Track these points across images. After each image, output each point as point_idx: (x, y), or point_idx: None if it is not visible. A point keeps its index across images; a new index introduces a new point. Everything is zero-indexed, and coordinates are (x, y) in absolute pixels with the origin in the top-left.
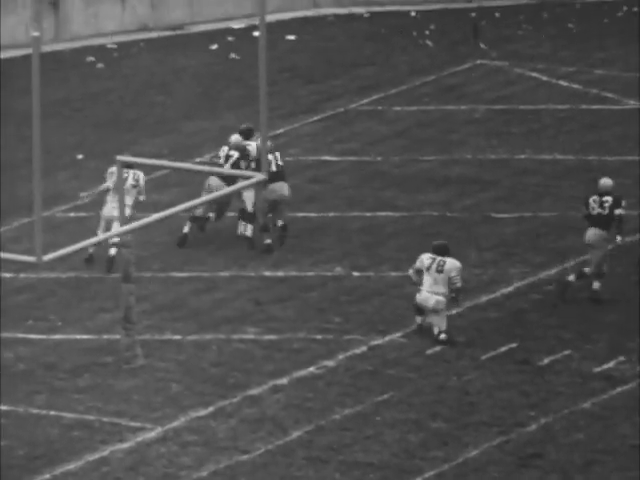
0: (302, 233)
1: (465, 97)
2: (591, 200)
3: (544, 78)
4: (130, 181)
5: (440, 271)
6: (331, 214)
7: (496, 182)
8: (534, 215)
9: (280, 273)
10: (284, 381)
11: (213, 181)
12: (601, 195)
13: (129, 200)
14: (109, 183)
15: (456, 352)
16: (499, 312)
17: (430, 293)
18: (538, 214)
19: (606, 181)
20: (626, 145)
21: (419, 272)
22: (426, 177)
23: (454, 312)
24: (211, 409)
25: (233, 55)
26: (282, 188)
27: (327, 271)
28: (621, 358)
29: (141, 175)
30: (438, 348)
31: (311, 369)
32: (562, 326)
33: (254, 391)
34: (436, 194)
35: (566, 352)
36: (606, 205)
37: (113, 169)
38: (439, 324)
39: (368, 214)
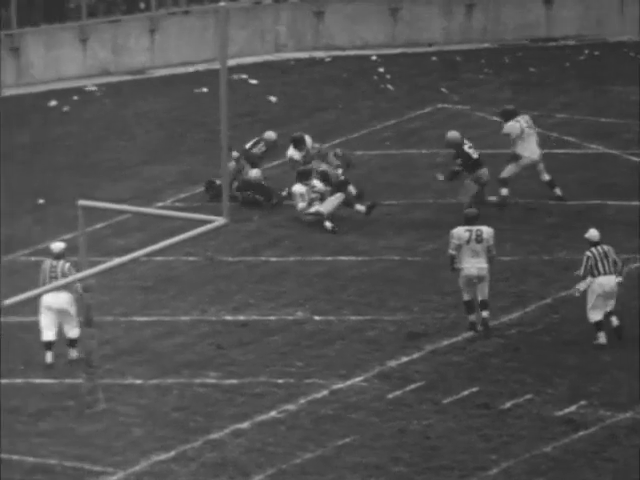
0: (263, 277)
1: (426, 141)
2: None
3: None
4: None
5: (479, 241)
6: (292, 258)
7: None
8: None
9: (241, 317)
10: (245, 425)
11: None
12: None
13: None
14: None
15: (417, 396)
16: (461, 356)
17: (472, 265)
18: (501, 258)
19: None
20: (588, 189)
21: (459, 248)
22: (387, 221)
23: (415, 356)
24: (172, 453)
25: (203, 89)
26: None
27: (288, 315)
28: (582, 402)
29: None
30: (399, 392)
31: (272, 413)
32: (523, 370)
33: (215, 435)
34: (397, 238)
35: (527, 396)
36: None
37: None
38: (483, 292)
39: (329, 258)
